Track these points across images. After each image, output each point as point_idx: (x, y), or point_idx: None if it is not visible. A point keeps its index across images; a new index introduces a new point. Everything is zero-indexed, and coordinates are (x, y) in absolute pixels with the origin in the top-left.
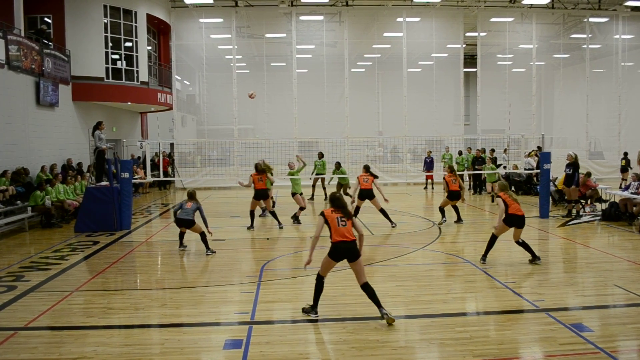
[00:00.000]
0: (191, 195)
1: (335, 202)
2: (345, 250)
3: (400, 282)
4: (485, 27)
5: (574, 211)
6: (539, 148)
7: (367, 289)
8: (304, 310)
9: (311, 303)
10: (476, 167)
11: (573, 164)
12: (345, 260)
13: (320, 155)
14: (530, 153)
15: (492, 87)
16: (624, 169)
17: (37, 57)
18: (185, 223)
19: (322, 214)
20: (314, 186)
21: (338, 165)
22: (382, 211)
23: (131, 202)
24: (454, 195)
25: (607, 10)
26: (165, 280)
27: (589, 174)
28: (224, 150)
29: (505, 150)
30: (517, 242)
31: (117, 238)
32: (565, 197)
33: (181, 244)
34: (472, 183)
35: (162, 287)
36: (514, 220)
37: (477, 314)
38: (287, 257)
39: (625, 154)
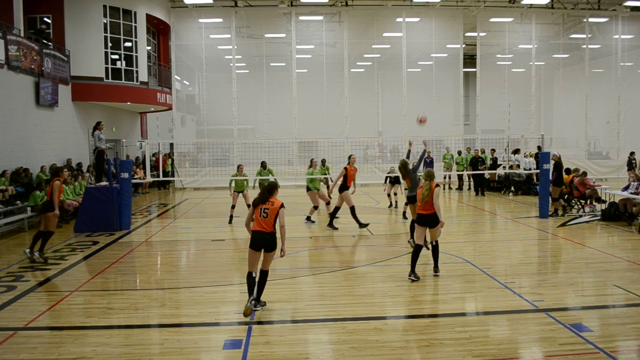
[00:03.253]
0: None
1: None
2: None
3: (400, 282)
4: (485, 27)
5: (560, 210)
6: (539, 148)
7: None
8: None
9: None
10: (480, 167)
11: (556, 164)
12: (343, 260)
13: (323, 162)
14: (530, 153)
15: (492, 87)
16: (631, 167)
17: (37, 57)
18: None
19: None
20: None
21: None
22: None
23: (131, 202)
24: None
25: (606, 10)
26: (165, 280)
27: (584, 174)
28: (223, 150)
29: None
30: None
31: (116, 238)
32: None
33: None
34: (471, 183)
35: (161, 287)
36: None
37: (476, 314)
38: (287, 257)
39: (632, 153)
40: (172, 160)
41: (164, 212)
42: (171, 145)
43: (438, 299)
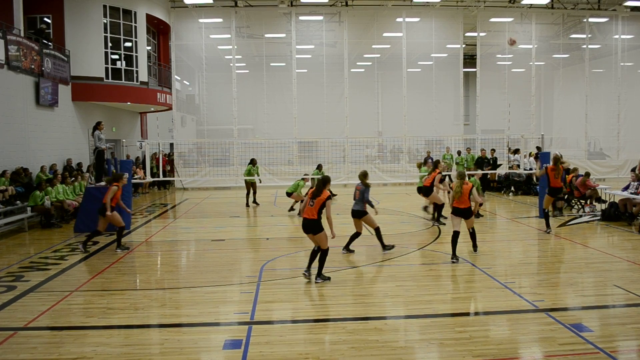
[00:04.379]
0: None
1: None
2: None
3: (400, 282)
4: (485, 27)
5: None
6: (539, 148)
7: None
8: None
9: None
10: (484, 168)
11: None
12: (343, 260)
13: (320, 167)
14: (531, 153)
15: (492, 87)
16: None
17: (37, 57)
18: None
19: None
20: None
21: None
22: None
23: (130, 202)
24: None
25: (606, 10)
26: (165, 280)
27: (587, 174)
28: (223, 150)
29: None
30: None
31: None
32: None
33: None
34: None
35: (161, 287)
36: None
37: (476, 314)
38: (287, 257)
39: None
40: (172, 160)
41: (164, 212)
42: (171, 145)
43: (438, 299)
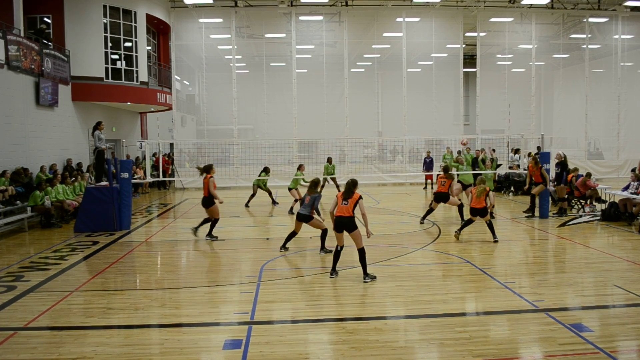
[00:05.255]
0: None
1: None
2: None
3: (400, 282)
4: (485, 27)
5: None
6: (539, 148)
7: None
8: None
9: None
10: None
11: (561, 163)
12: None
13: (330, 160)
14: (530, 153)
15: (492, 87)
16: None
17: (37, 57)
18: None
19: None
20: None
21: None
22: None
23: (131, 202)
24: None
25: (606, 10)
26: (165, 280)
27: (588, 174)
28: (223, 150)
29: (515, 151)
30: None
31: (116, 238)
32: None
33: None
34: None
35: (161, 287)
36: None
37: (476, 314)
38: (287, 257)
39: None
40: (172, 160)
41: (164, 212)
42: (171, 145)
43: (438, 299)
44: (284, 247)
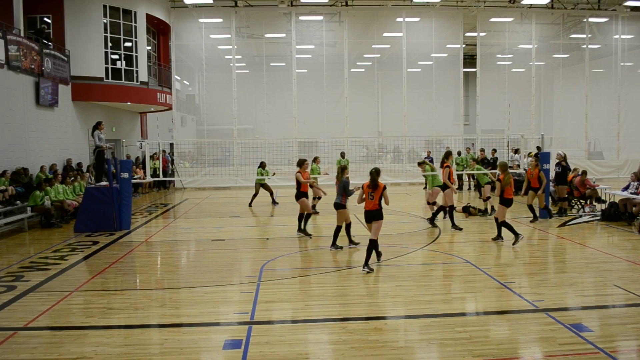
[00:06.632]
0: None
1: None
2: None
3: (400, 282)
4: (485, 27)
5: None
6: (539, 148)
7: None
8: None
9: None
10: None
11: (561, 163)
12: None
13: (343, 155)
14: (530, 153)
15: (492, 87)
16: None
17: (37, 57)
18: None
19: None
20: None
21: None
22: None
23: (130, 202)
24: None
25: (606, 10)
26: (165, 280)
27: (585, 173)
28: (223, 150)
29: (515, 151)
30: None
31: (116, 238)
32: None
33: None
34: (471, 183)
35: (161, 287)
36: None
37: (476, 314)
38: (287, 257)
39: None
40: (172, 160)
41: (164, 212)
42: (171, 145)
43: (438, 299)
44: (334, 245)
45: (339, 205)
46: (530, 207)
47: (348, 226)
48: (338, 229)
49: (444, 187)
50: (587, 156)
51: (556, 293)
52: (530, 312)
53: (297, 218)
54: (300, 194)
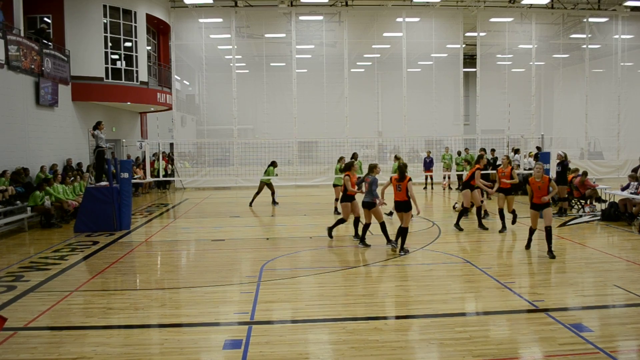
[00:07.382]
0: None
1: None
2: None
3: (400, 282)
4: (485, 27)
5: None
6: (538, 148)
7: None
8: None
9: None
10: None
11: (562, 163)
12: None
13: (355, 157)
14: (530, 153)
15: (492, 87)
16: None
17: (37, 57)
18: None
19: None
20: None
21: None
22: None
23: (131, 202)
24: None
25: (606, 10)
26: (165, 280)
27: (585, 173)
28: (223, 150)
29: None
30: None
31: (116, 238)
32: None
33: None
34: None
35: (161, 287)
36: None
37: (476, 314)
38: (287, 257)
39: None
40: (172, 160)
41: (164, 212)
42: (171, 145)
43: (438, 299)
44: (362, 242)
45: (370, 205)
46: (501, 213)
47: (366, 226)
48: (383, 225)
49: (472, 187)
50: (586, 156)
51: (556, 293)
52: (530, 312)
53: (353, 224)
54: (346, 197)
